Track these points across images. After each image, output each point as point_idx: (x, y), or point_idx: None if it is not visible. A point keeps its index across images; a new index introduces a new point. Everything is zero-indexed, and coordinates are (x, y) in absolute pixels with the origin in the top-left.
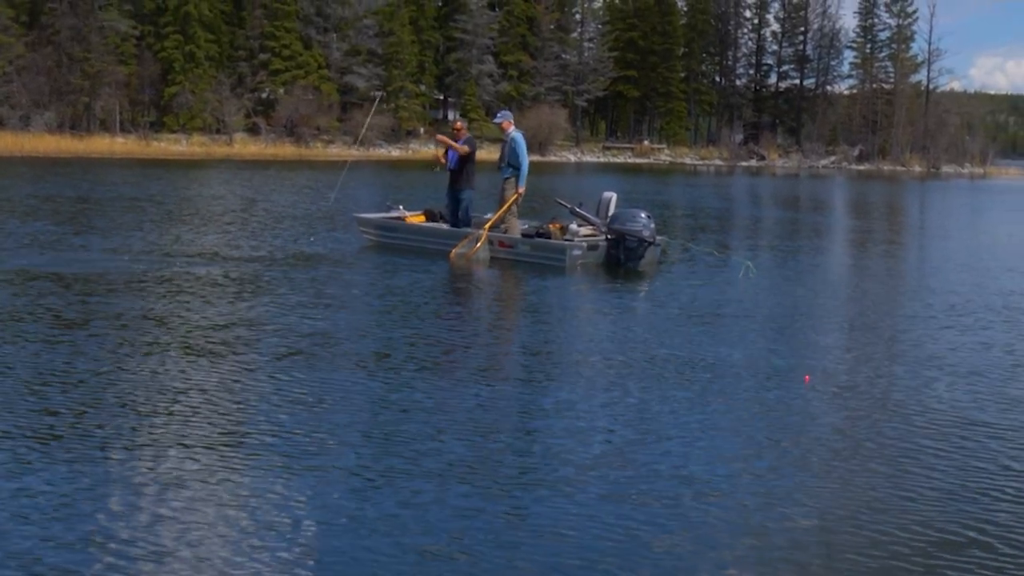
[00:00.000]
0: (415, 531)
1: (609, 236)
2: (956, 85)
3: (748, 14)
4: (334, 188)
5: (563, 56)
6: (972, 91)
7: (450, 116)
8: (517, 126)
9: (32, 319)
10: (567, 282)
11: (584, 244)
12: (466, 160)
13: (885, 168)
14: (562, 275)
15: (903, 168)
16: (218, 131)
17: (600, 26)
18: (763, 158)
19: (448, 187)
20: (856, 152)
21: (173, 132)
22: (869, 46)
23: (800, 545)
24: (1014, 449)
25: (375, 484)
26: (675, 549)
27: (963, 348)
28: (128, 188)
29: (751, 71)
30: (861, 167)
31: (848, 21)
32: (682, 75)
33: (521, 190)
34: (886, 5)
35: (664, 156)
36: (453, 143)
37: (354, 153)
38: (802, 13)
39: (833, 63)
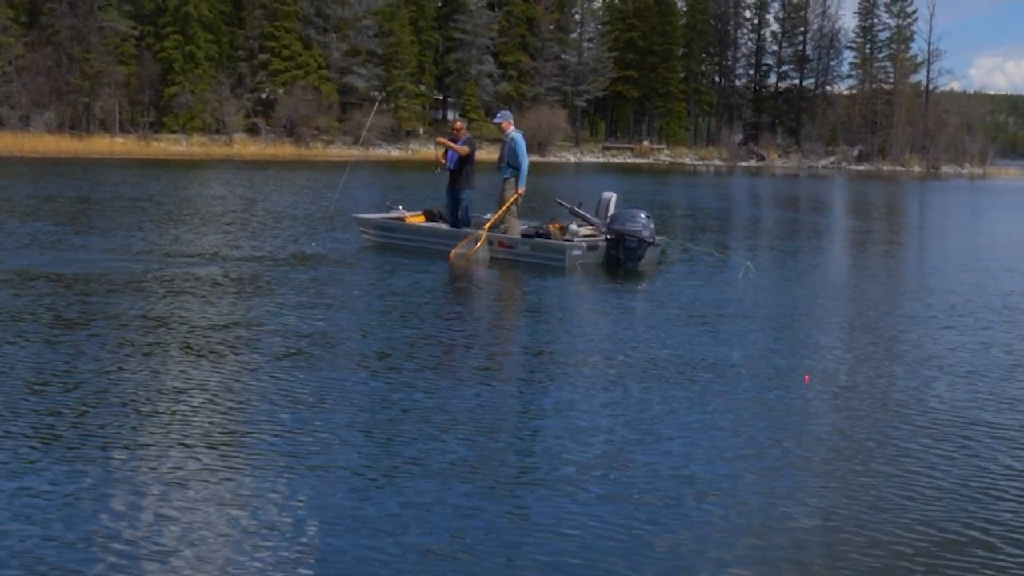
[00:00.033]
0: (417, 530)
1: (609, 236)
2: (956, 85)
3: (748, 14)
4: (335, 189)
5: (562, 56)
6: (971, 91)
7: (450, 116)
8: (517, 126)
9: (32, 319)
10: (567, 282)
11: (584, 244)
12: (466, 160)
13: (884, 168)
14: (562, 275)
15: (903, 168)
16: (218, 131)
17: (599, 26)
18: (763, 158)
19: (448, 187)
20: (855, 152)
21: (173, 132)
22: (869, 46)
23: (802, 544)
24: (1015, 449)
25: (377, 483)
26: (677, 548)
27: (963, 348)
28: (128, 188)
29: (751, 71)
30: (861, 167)
31: (848, 21)
32: (682, 75)
33: (521, 190)
34: (886, 5)
35: (663, 156)
36: (452, 144)
37: (354, 153)
38: (802, 13)
39: (833, 63)
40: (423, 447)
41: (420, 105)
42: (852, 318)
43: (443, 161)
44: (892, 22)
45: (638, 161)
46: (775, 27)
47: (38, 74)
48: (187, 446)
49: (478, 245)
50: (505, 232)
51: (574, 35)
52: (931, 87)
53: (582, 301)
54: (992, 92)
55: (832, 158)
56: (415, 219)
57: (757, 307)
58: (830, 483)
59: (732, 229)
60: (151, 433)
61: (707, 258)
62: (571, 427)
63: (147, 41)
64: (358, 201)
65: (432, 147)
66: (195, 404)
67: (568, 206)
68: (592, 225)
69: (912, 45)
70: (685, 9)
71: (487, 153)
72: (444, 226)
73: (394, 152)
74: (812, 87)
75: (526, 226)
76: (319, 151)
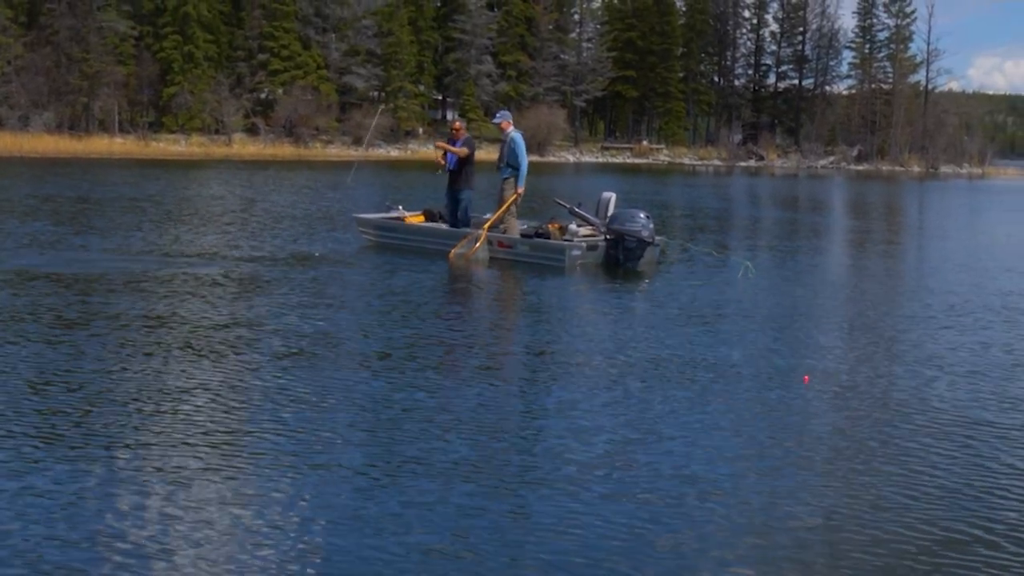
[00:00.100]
0: (419, 529)
1: (608, 236)
2: (955, 85)
3: (747, 14)
4: (339, 188)
5: (562, 56)
6: (970, 91)
7: (449, 116)
8: (516, 126)
9: (32, 319)
10: (566, 282)
11: (583, 244)
12: (465, 161)
13: (884, 168)
14: (561, 275)
15: (902, 168)
16: (217, 131)
17: (599, 26)
18: (762, 158)
19: (447, 187)
20: (855, 152)
21: (172, 132)
22: (868, 46)
23: (804, 544)
24: (1017, 448)
25: (380, 483)
26: (679, 548)
27: (962, 348)
28: (127, 188)
29: (750, 71)
30: (860, 167)
31: (847, 21)
32: (681, 75)
33: (520, 190)
34: (885, 5)
35: (663, 156)
36: (451, 148)
37: (353, 154)
38: (801, 13)
39: (832, 63)
40: (426, 446)
41: (419, 105)
42: (852, 318)
43: (443, 162)
44: (891, 22)
45: (637, 161)
46: (774, 27)
47: (37, 74)
48: (190, 445)
49: (478, 245)
50: (505, 232)
51: (573, 35)
52: (930, 87)
53: (582, 301)
54: (991, 92)
55: (831, 158)
56: (415, 219)
57: (757, 307)
58: (832, 482)
59: (731, 229)
60: (154, 433)
61: (706, 258)
62: (573, 427)
63: (146, 41)
64: (358, 201)
65: (431, 148)
66: (198, 404)
67: (567, 206)
68: (591, 225)
69: (911, 45)
70: (684, 9)
71: (486, 153)
72: (444, 226)
73: (393, 152)
74: (811, 87)
75: (525, 226)
76: (318, 151)
